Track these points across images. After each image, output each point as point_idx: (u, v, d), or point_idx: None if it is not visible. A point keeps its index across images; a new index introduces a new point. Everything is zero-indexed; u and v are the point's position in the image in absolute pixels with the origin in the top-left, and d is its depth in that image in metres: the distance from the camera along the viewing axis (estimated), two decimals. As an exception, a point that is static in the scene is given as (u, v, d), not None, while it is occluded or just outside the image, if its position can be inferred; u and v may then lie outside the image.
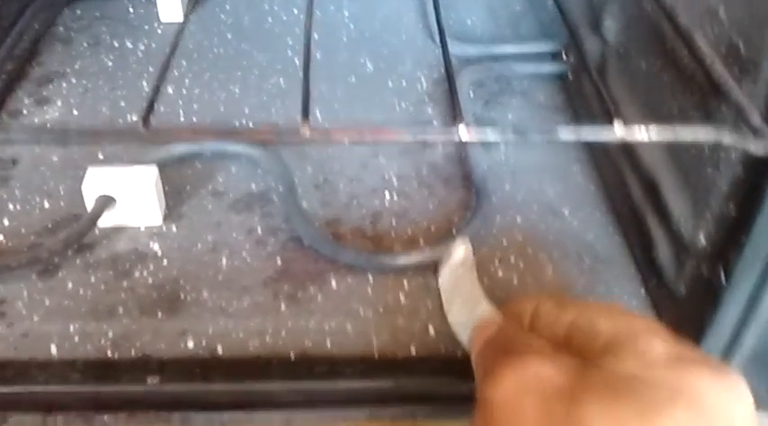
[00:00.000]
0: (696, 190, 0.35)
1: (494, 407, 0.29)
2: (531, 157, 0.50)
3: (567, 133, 0.27)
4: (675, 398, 0.26)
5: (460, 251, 0.40)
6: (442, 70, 0.58)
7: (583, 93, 0.52)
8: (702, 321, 0.35)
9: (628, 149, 0.43)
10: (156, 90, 0.27)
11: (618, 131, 0.27)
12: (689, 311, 0.37)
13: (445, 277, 0.40)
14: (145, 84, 0.57)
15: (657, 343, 0.28)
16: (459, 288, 0.39)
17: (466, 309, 0.37)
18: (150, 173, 0.43)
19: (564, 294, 0.42)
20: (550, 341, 0.31)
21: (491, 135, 0.27)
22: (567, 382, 0.27)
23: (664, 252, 0.39)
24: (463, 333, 0.36)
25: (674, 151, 0.38)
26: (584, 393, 0.27)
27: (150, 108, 0.26)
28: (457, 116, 0.27)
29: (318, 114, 0.52)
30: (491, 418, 0.29)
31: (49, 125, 0.50)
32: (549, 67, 0.58)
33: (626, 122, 0.28)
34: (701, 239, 0.35)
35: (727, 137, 0.28)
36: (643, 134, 0.27)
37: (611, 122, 0.27)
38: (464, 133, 0.26)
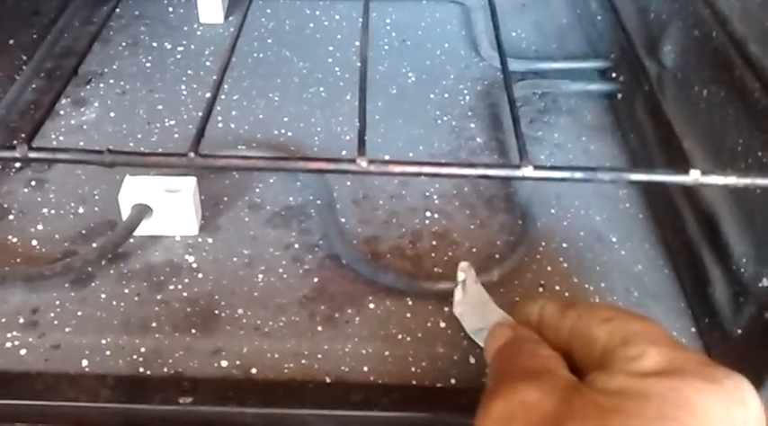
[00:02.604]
0: (761, 233, 0.33)
1: None
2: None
3: (639, 175, 0.26)
4: (663, 413, 0.24)
5: (462, 271, 0.39)
6: (486, 84, 0.57)
7: (634, 115, 0.50)
8: (760, 364, 0.34)
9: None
10: (208, 115, 0.26)
11: (694, 176, 0.25)
12: (744, 353, 0.36)
13: (456, 296, 0.39)
14: (183, 87, 0.56)
15: (651, 352, 0.27)
16: (468, 298, 0.39)
17: (477, 316, 0.37)
18: (189, 184, 0.42)
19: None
20: (556, 347, 0.30)
21: (559, 175, 0.26)
22: (554, 408, 0.26)
23: (720, 290, 0.38)
24: (482, 340, 0.36)
25: (738, 189, 0.36)
26: (569, 420, 0.25)
27: (200, 134, 0.25)
28: (523, 155, 0.25)
29: (356, 124, 0.50)
30: None
31: (92, 129, 0.49)
32: (597, 86, 0.56)
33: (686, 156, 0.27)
34: (764, 282, 0.33)
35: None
36: (720, 180, 0.25)
37: (686, 167, 0.25)
38: (530, 172, 0.25)
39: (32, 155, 0.24)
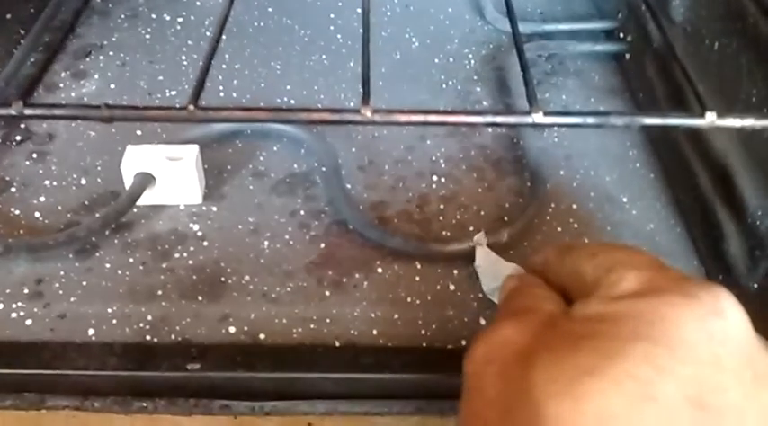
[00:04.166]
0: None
1: (466, 381, 0.27)
2: (586, 141, 0.48)
3: (652, 119, 0.25)
4: (636, 333, 0.23)
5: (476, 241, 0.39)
6: (491, 47, 0.56)
7: (644, 75, 0.49)
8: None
9: (694, 134, 0.41)
10: (207, 69, 0.25)
11: (710, 119, 0.24)
12: (761, 307, 0.35)
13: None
14: (183, 57, 0.55)
15: (629, 276, 0.25)
16: (480, 260, 0.39)
17: (491, 275, 0.37)
18: (191, 152, 0.42)
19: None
20: (558, 290, 0.29)
21: (570, 120, 0.25)
22: (528, 343, 0.26)
23: (735, 246, 0.37)
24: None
25: (750, 137, 0.35)
26: (540, 352, 0.24)
27: (200, 87, 0.24)
28: (533, 101, 0.25)
29: (360, 91, 0.50)
30: (465, 392, 0.27)
31: (92, 101, 0.48)
32: (604, 47, 0.55)
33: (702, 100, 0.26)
34: (781, 233, 0.33)
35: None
36: (737, 122, 0.24)
37: (701, 110, 0.24)
38: (540, 118, 0.24)
39: (28, 111, 0.23)
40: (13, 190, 0.44)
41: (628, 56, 0.53)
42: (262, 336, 0.37)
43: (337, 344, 0.37)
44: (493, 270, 0.37)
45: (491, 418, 0.25)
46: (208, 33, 0.57)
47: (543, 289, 0.30)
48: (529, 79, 0.27)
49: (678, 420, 0.22)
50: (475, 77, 0.53)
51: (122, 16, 0.59)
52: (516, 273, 0.35)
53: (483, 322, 0.38)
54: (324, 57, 0.55)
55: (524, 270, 0.35)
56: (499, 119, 0.25)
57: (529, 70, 0.27)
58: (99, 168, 0.46)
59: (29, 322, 0.37)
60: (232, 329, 0.37)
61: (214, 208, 0.43)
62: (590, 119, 0.24)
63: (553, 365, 0.24)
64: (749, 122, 0.25)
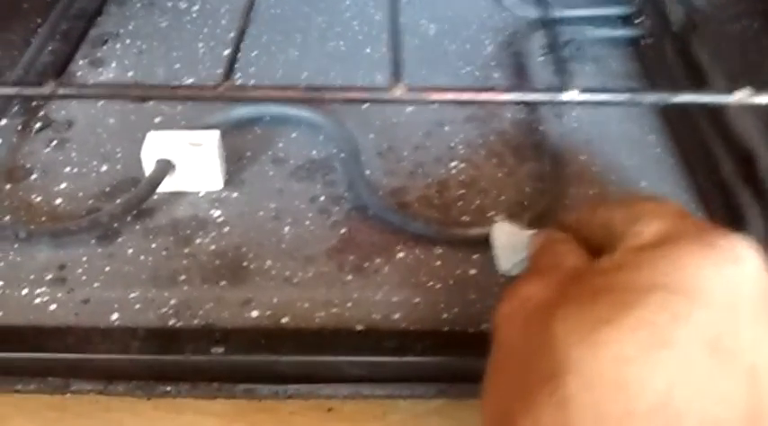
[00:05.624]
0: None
1: (494, 335, 0.28)
2: (606, 126, 0.48)
3: (684, 96, 0.25)
4: (653, 282, 0.23)
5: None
6: (509, 33, 0.56)
7: (662, 60, 0.49)
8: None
9: (715, 118, 0.40)
10: (237, 47, 0.25)
11: (743, 94, 0.24)
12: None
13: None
14: (200, 45, 0.55)
15: (652, 225, 0.26)
16: (502, 235, 0.37)
17: (510, 249, 0.36)
18: (212, 138, 0.42)
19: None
20: (591, 246, 0.29)
21: (602, 98, 0.25)
22: (549, 297, 0.26)
23: (758, 229, 0.37)
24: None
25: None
26: (562, 305, 0.25)
27: (231, 65, 0.24)
28: (566, 78, 0.25)
29: (380, 80, 0.50)
30: (492, 347, 0.28)
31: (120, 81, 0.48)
32: (622, 32, 0.55)
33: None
34: (806, 216, 0.33)
35: None
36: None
37: (728, 89, 0.24)
38: (573, 96, 0.24)
39: (61, 91, 0.23)
40: (33, 177, 0.44)
41: (645, 41, 0.53)
42: (284, 320, 0.37)
43: (359, 328, 0.37)
44: (514, 243, 0.36)
45: (514, 368, 0.26)
46: (224, 21, 0.57)
47: (569, 245, 0.30)
48: (561, 57, 0.27)
49: (695, 364, 0.22)
50: (493, 63, 0.53)
51: (139, 4, 0.59)
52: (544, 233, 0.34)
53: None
54: (341, 43, 0.55)
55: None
56: (532, 96, 0.25)
57: (560, 49, 0.27)
58: (119, 155, 0.46)
59: (52, 307, 0.37)
60: (255, 313, 0.37)
61: (234, 195, 0.43)
62: (621, 97, 0.24)
63: (574, 316, 0.24)
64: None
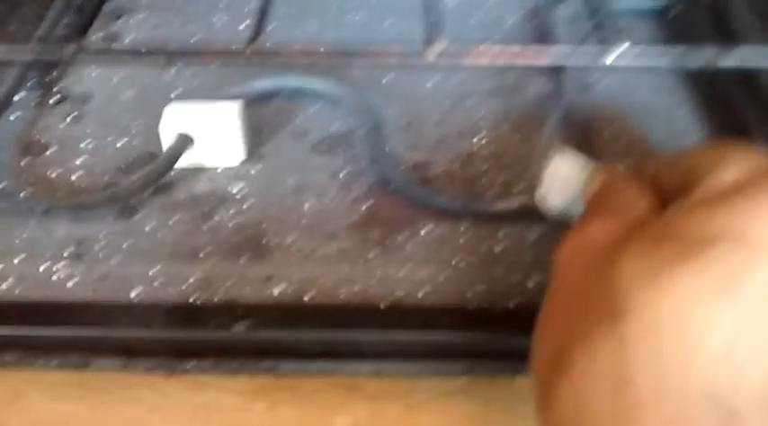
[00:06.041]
0: None
1: (554, 275, 0.27)
2: (634, 98, 0.46)
3: (731, 59, 0.24)
4: (721, 233, 0.22)
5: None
6: (531, 6, 0.54)
7: (691, 32, 0.47)
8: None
9: (752, 91, 0.39)
10: (264, 10, 0.24)
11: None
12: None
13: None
14: (215, 19, 0.54)
15: (733, 170, 0.25)
16: (562, 167, 0.34)
17: (562, 189, 0.33)
18: (233, 110, 0.41)
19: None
20: (671, 190, 0.28)
21: (651, 57, 0.23)
22: (613, 240, 0.25)
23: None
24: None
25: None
26: (627, 248, 0.24)
27: (258, 29, 0.23)
28: (609, 37, 0.23)
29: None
30: (550, 287, 0.28)
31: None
32: (649, 3, 0.53)
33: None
34: None
35: None
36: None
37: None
38: (617, 56, 0.23)
39: (82, 55, 0.22)
40: (49, 152, 0.44)
41: (673, 11, 0.51)
42: (307, 297, 0.36)
43: (382, 305, 0.36)
44: (571, 177, 0.33)
45: (573, 309, 0.25)
46: (240, -6, 0.56)
47: (638, 185, 0.29)
48: (600, 21, 0.25)
49: (754, 319, 0.22)
50: (516, 35, 0.52)
51: (153, -22, 0.58)
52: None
53: (531, 283, 0.37)
54: (359, 16, 0.54)
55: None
56: (572, 60, 0.23)
57: (600, 12, 0.26)
58: (135, 130, 0.45)
59: (71, 283, 0.37)
60: (277, 290, 0.36)
61: (253, 170, 0.43)
62: (671, 58, 0.23)
63: (638, 260, 0.23)
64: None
